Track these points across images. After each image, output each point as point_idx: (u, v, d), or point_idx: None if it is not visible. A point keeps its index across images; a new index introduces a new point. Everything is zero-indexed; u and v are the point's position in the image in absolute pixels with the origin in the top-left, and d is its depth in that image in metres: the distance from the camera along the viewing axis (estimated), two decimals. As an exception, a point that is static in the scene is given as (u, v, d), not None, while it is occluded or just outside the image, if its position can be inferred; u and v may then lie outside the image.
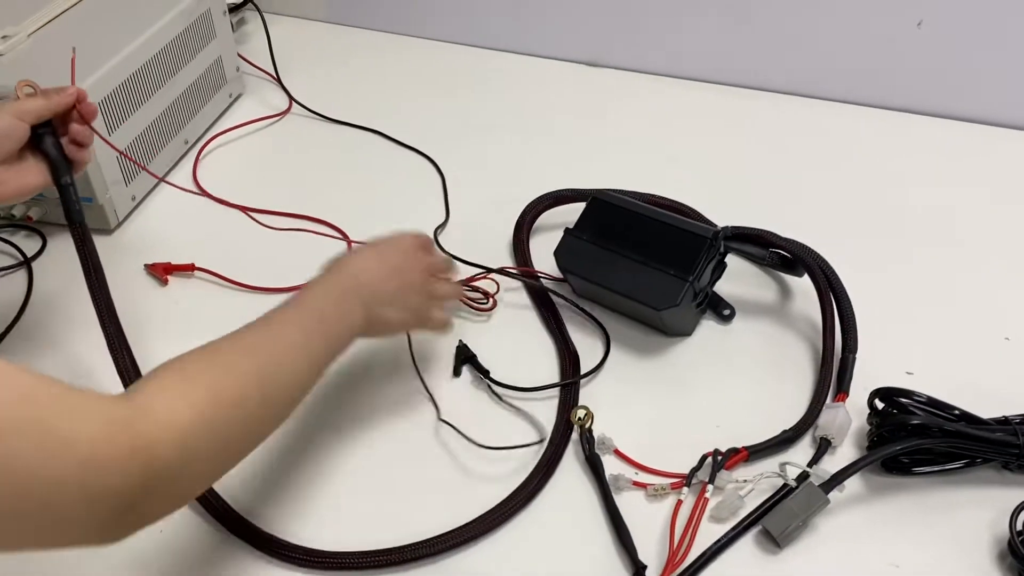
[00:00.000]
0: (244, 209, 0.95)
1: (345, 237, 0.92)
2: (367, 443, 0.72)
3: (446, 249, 0.88)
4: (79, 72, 0.83)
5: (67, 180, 0.67)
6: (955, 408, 0.68)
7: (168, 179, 0.99)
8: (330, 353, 0.61)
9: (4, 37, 0.90)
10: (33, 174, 0.67)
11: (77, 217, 0.67)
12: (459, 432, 0.71)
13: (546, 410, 0.74)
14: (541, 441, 0.71)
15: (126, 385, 0.66)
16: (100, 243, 0.87)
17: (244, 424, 0.52)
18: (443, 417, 0.72)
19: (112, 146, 0.82)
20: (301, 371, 0.57)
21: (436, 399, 0.75)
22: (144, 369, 0.66)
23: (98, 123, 0.86)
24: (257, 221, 0.94)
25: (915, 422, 0.65)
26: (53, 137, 0.68)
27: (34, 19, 0.93)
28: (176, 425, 0.47)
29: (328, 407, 0.74)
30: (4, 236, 0.91)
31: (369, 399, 0.75)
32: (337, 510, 0.67)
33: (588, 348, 0.79)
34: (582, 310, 0.82)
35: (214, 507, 0.66)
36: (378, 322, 0.66)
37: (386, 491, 0.68)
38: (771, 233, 0.80)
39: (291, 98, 1.12)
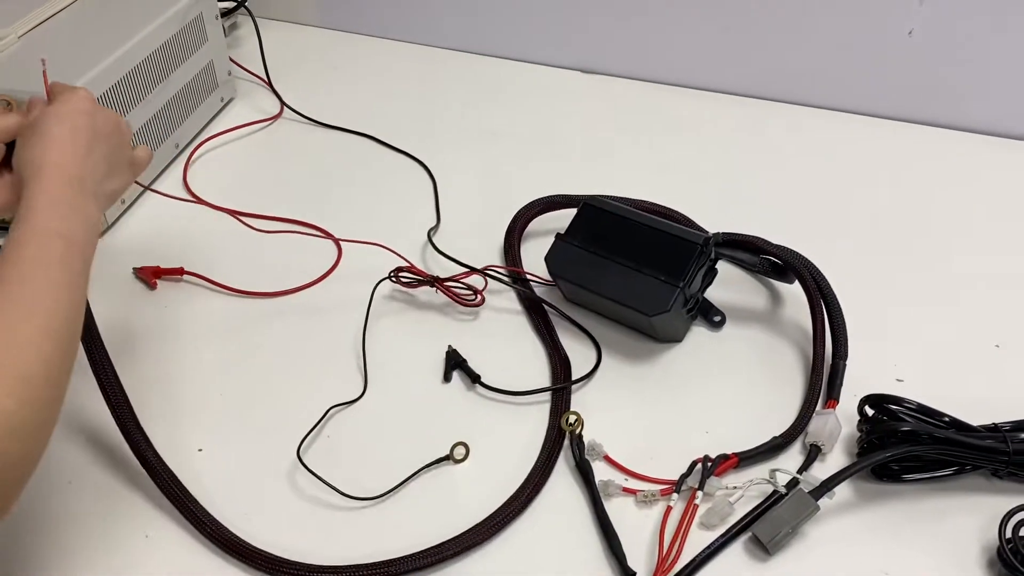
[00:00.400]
0: (234, 213, 0.95)
1: (334, 241, 0.91)
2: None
3: (440, 249, 0.88)
4: (69, 75, 0.83)
5: None
6: (945, 415, 0.67)
7: (158, 183, 0.99)
8: (87, 262, 0.58)
9: (-6, 39, 0.89)
10: (7, 191, 0.64)
11: None
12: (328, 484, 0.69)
13: (538, 415, 0.74)
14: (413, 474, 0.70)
15: (110, 404, 0.66)
16: None
17: (54, 387, 0.52)
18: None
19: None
20: (75, 302, 0.56)
21: (426, 405, 0.75)
22: (129, 384, 0.66)
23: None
24: (247, 225, 0.93)
25: (905, 429, 0.65)
26: None
27: (24, 21, 0.93)
28: (2, 419, 0.47)
29: (311, 421, 0.73)
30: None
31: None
32: (327, 524, 0.67)
33: (578, 353, 0.79)
34: (569, 319, 0.82)
35: (205, 527, 0.65)
36: (108, 199, 0.64)
37: (375, 502, 0.68)
38: (762, 239, 0.80)
39: (282, 102, 1.12)
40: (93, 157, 0.61)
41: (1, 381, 0.48)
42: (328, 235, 0.92)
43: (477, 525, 0.65)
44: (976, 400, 0.71)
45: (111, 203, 0.65)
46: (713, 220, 0.89)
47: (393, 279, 0.83)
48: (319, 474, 0.68)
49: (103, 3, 0.99)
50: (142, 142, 0.95)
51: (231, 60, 1.13)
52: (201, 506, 0.66)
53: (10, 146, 0.65)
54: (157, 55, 0.96)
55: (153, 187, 0.97)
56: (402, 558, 0.63)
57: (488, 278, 0.84)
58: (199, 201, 0.97)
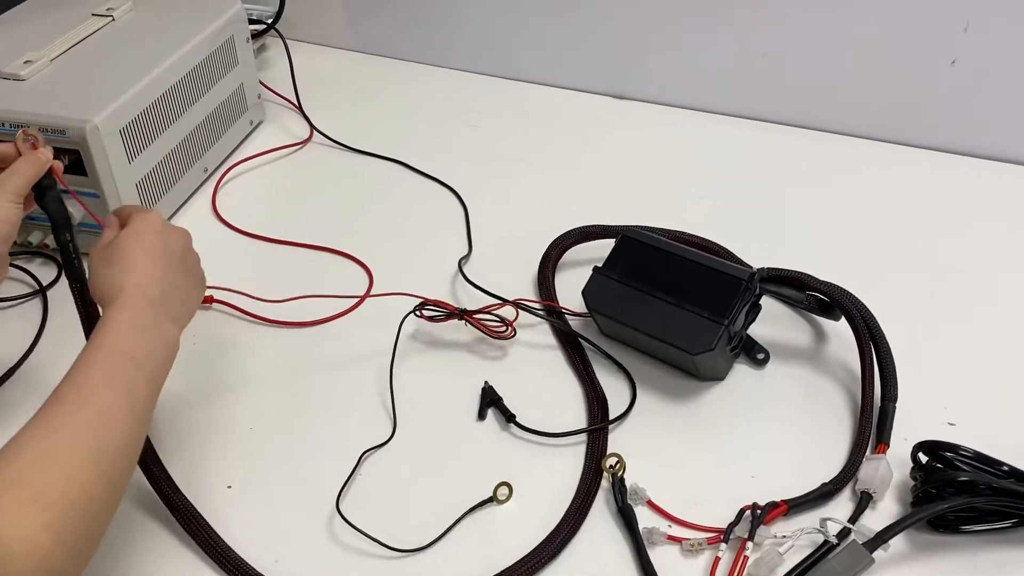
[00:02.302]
0: (263, 239, 0.93)
1: (366, 270, 0.89)
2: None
3: (471, 279, 0.86)
4: (101, 99, 0.83)
5: (67, 237, 0.64)
6: (1004, 464, 0.65)
7: (187, 207, 0.98)
8: (157, 386, 0.57)
9: (27, 62, 0.88)
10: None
11: (76, 275, 0.64)
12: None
13: (574, 456, 0.72)
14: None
15: None
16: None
17: (96, 519, 0.50)
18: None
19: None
20: (133, 435, 0.54)
21: (460, 445, 0.73)
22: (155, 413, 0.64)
23: (119, 150, 0.85)
24: (276, 248, 0.92)
25: (963, 479, 0.63)
26: (54, 191, 0.65)
27: (56, 44, 0.92)
28: (37, 555, 0.45)
29: (342, 457, 0.71)
30: (20, 264, 0.89)
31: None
32: (362, 571, 0.64)
33: (617, 391, 0.77)
34: (606, 354, 0.79)
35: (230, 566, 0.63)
36: (185, 318, 0.64)
37: (408, 544, 0.66)
38: (807, 275, 0.77)
39: (312, 126, 1.10)
40: (171, 277, 0.62)
41: (40, 513, 0.46)
42: (362, 265, 0.90)
43: (506, 570, 0.63)
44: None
45: (188, 322, 0.64)
46: (753, 254, 0.87)
47: (418, 315, 0.80)
48: (354, 522, 0.66)
49: (134, 27, 0.99)
50: (171, 166, 0.94)
51: (261, 83, 1.12)
52: (225, 543, 0.64)
53: (38, 183, 0.64)
54: (188, 78, 0.95)
55: (182, 211, 0.96)
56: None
57: (520, 310, 0.82)
58: (228, 226, 0.95)
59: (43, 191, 0.64)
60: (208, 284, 0.83)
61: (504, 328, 0.80)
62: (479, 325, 0.80)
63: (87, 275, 0.62)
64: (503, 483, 0.69)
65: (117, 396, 0.53)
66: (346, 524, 0.66)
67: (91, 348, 0.55)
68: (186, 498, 0.65)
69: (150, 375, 0.56)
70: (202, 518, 0.65)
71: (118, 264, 0.60)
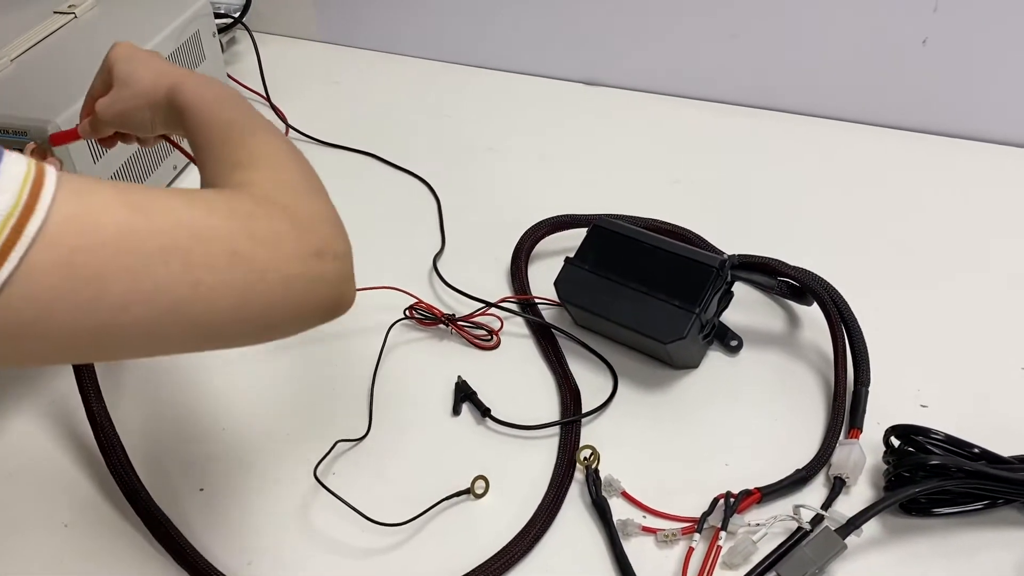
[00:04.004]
0: None
1: None
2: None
3: (445, 279, 0.86)
4: (64, 98, 0.81)
5: None
6: (975, 446, 0.65)
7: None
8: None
9: (-14, 63, 0.87)
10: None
11: None
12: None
13: (551, 448, 0.72)
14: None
15: (95, 428, 0.66)
16: None
17: (323, 190, 0.56)
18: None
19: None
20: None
21: (436, 440, 0.73)
22: (128, 417, 0.64)
23: (83, 150, 0.83)
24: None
25: (934, 462, 0.63)
26: None
27: (17, 43, 0.91)
28: (327, 219, 0.51)
29: (312, 452, 0.71)
30: None
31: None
32: (328, 560, 0.64)
33: (591, 382, 0.77)
34: (581, 343, 0.79)
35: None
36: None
37: (379, 539, 0.65)
38: (779, 261, 0.77)
39: (283, 120, 1.09)
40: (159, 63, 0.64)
41: (327, 227, 0.50)
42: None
43: (480, 566, 0.63)
44: (1004, 426, 0.69)
45: None
46: (727, 240, 0.86)
47: (407, 316, 0.81)
48: (329, 522, 0.66)
49: (97, 24, 0.97)
50: (140, 163, 0.93)
51: (229, 77, 1.11)
52: (196, 550, 0.64)
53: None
54: (153, 75, 0.93)
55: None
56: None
57: (502, 311, 0.82)
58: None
59: None
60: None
61: (489, 337, 0.80)
62: (464, 334, 0.80)
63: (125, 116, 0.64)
64: (480, 476, 0.68)
65: (254, 118, 0.57)
66: (319, 520, 0.66)
67: (204, 110, 0.57)
68: (157, 505, 0.65)
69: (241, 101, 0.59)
70: (173, 525, 0.64)
71: (136, 71, 0.62)
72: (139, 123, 0.64)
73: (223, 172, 0.52)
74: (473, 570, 0.62)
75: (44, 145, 0.64)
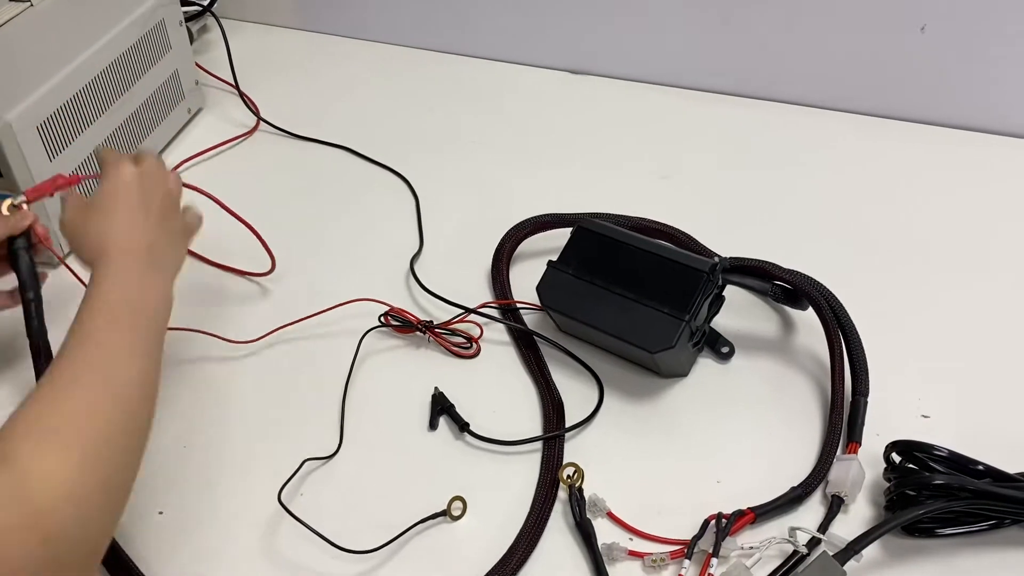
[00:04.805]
0: (191, 253, 0.86)
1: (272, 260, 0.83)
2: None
3: (423, 283, 0.81)
4: (21, 89, 0.77)
5: (30, 296, 0.64)
6: (979, 463, 0.61)
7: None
8: (159, 333, 0.57)
9: (-65, 54, 0.82)
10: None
11: (36, 336, 0.63)
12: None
13: (533, 464, 0.68)
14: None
15: None
16: (49, 276, 0.82)
17: (121, 457, 0.50)
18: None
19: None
20: (146, 371, 0.54)
21: (410, 454, 0.69)
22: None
23: (37, 149, 0.79)
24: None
25: (938, 482, 0.59)
26: (28, 252, 0.66)
27: (-32, 34, 0.85)
28: (63, 485, 0.45)
29: (279, 471, 0.67)
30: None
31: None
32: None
33: (575, 391, 0.73)
34: (565, 351, 0.75)
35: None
36: (173, 267, 0.63)
37: (350, 566, 0.61)
38: (772, 264, 0.73)
39: (254, 112, 1.05)
40: (153, 226, 0.61)
41: (60, 447, 0.46)
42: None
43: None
44: (1008, 436, 0.66)
45: (177, 272, 0.64)
46: (718, 240, 0.82)
47: (382, 323, 0.77)
48: (296, 544, 0.62)
49: (55, 13, 0.91)
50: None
51: (199, 67, 1.06)
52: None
53: (11, 241, 0.65)
54: (116, 65, 0.89)
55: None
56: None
57: (481, 317, 0.78)
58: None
59: (16, 252, 0.65)
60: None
61: (469, 345, 0.76)
62: (442, 342, 0.76)
63: (67, 241, 0.62)
64: (457, 497, 0.65)
65: (122, 336, 0.54)
66: (286, 544, 0.62)
67: (87, 302, 0.55)
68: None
69: (150, 322, 0.56)
70: (122, 551, 0.60)
71: (98, 222, 0.60)
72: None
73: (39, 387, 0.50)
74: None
75: (21, 203, 0.66)
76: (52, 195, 0.69)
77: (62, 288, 0.69)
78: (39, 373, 0.62)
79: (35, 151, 0.79)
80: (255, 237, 0.80)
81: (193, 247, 0.78)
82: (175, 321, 0.69)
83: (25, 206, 0.66)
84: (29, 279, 0.64)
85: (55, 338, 0.59)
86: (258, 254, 0.81)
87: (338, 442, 0.69)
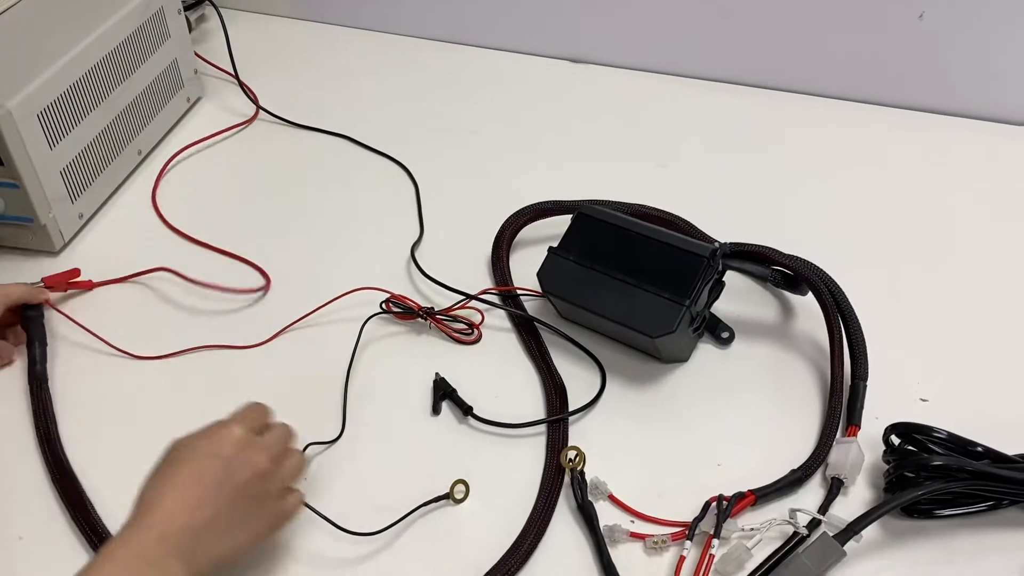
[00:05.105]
0: (203, 245, 0.86)
1: (266, 278, 0.82)
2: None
3: (422, 268, 0.82)
4: (19, 79, 0.77)
5: (35, 351, 0.74)
6: (978, 445, 0.62)
7: (121, 194, 0.92)
8: None
9: (-67, 43, 0.82)
10: None
11: (37, 378, 0.72)
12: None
13: (537, 447, 0.68)
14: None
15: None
16: (44, 266, 0.82)
17: None
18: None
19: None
20: None
21: (414, 440, 0.69)
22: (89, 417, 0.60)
23: (38, 136, 0.79)
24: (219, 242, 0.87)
25: (937, 463, 0.60)
26: (40, 320, 0.76)
27: (-36, 22, 0.86)
28: None
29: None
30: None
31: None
32: (300, 571, 0.61)
33: (577, 377, 0.73)
34: (566, 337, 0.76)
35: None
36: (208, 555, 0.53)
37: (354, 548, 0.62)
38: (772, 250, 0.74)
39: (254, 101, 1.05)
40: (206, 512, 0.53)
41: None
42: (264, 275, 0.85)
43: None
44: (1007, 420, 0.67)
45: (221, 560, 0.54)
46: (718, 226, 0.83)
47: (384, 310, 0.77)
48: (298, 529, 0.62)
49: (52, 2, 0.92)
50: (100, 151, 0.88)
51: (198, 56, 1.06)
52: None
53: (26, 309, 0.75)
54: (113, 55, 0.88)
55: (117, 197, 0.91)
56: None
57: (482, 303, 0.78)
58: (168, 225, 0.89)
59: (31, 319, 0.75)
60: (146, 269, 0.80)
61: (470, 331, 0.77)
62: (443, 328, 0.76)
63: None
64: (459, 481, 0.65)
65: None
66: (291, 533, 0.62)
67: (101, 562, 0.50)
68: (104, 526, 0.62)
69: None
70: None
71: (167, 476, 0.54)
72: None
73: None
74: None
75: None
76: (65, 290, 0.80)
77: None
78: (40, 421, 0.69)
79: (35, 138, 0.79)
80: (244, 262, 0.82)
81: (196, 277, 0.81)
82: (188, 340, 0.73)
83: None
84: (39, 338, 0.74)
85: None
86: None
87: (341, 427, 0.69)
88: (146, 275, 0.82)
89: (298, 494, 0.60)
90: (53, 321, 0.77)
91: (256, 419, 0.59)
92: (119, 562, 0.50)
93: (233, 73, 1.07)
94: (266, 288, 0.81)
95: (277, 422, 0.61)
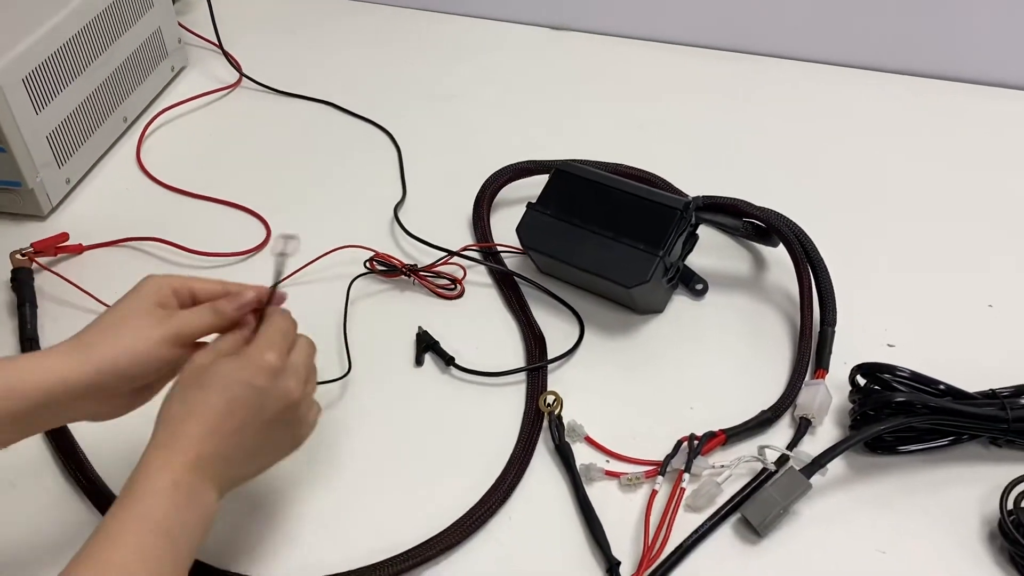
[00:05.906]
0: (189, 194, 0.89)
1: (265, 226, 0.85)
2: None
3: (406, 227, 0.84)
4: (3, 44, 0.78)
5: (28, 318, 0.74)
6: (940, 383, 0.64)
7: (108, 159, 0.94)
8: (190, 557, 0.51)
9: (-84, 10, 0.83)
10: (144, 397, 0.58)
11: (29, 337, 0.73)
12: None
13: (518, 395, 0.70)
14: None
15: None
16: (32, 231, 0.84)
17: None
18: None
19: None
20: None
21: (398, 391, 0.71)
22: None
23: (23, 101, 0.80)
24: (204, 203, 0.88)
25: (899, 399, 0.62)
26: (30, 283, 0.77)
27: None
28: None
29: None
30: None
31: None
32: (293, 536, 0.62)
33: (556, 328, 0.75)
34: (545, 290, 0.78)
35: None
36: (239, 480, 0.54)
37: (343, 506, 0.64)
38: (744, 202, 0.76)
39: (238, 70, 1.06)
40: (237, 440, 0.52)
41: None
42: (263, 221, 0.87)
43: (456, 523, 0.61)
44: (971, 364, 0.69)
45: (243, 483, 0.55)
46: (693, 183, 0.85)
47: (368, 269, 0.79)
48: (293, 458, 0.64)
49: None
50: (85, 117, 0.89)
51: (181, 26, 1.07)
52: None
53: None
54: (99, 20, 0.89)
55: (104, 163, 0.93)
56: (385, 561, 0.59)
57: (464, 259, 0.80)
58: (153, 180, 0.91)
59: (19, 282, 0.77)
60: (134, 236, 0.80)
61: (453, 287, 0.79)
62: (427, 284, 0.78)
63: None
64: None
65: (148, 566, 0.48)
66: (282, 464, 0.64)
67: (123, 513, 0.49)
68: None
69: (184, 550, 0.50)
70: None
71: (198, 402, 0.52)
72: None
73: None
74: (446, 530, 0.61)
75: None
76: (55, 255, 0.80)
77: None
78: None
79: (21, 103, 0.80)
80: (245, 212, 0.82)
81: (187, 244, 0.82)
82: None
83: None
84: (29, 298, 0.75)
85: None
86: (249, 225, 0.83)
87: (347, 366, 0.72)
88: (137, 241, 0.84)
89: (317, 407, 0.59)
90: (44, 284, 0.78)
91: (285, 338, 0.56)
92: (161, 501, 0.49)
93: (217, 43, 1.08)
94: (263, 244, 0.83)
95: (301, 336, 0.59)
